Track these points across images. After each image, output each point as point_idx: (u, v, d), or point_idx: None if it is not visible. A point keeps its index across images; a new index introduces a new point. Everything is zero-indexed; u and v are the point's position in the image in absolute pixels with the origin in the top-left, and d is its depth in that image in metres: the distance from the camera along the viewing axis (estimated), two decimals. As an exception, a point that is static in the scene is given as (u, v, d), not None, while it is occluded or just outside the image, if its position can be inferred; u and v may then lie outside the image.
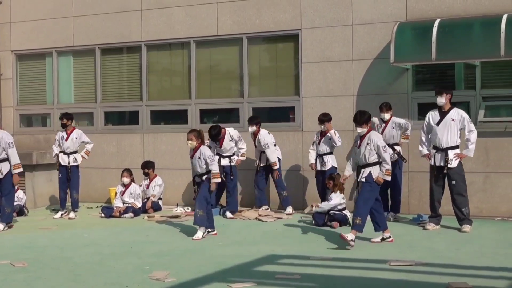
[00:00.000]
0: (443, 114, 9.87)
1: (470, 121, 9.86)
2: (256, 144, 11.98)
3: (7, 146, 10.66)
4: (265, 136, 11.86)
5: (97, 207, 13.23)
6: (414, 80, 11.82)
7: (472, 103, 11.31)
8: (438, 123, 9.85)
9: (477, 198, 11.11)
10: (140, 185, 12.77)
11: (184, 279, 7.15)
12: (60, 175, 12.14)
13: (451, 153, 9.77)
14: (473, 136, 9.73)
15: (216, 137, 11.62)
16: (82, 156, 12.24)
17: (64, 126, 12.16)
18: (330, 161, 11.25)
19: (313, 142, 11.50)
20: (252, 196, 12.35)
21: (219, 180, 9.90)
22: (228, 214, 11.65)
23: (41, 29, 14.77)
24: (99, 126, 14.35)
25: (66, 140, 12.09)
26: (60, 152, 12.11)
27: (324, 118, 11.23)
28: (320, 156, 11.34)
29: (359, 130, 8.98)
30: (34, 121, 15.33)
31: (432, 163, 9.94)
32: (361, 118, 8.96)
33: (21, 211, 12.27)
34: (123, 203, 12.25)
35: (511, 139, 11.03)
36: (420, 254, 8.26)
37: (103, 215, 12.10)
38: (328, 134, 11.21)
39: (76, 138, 12.14)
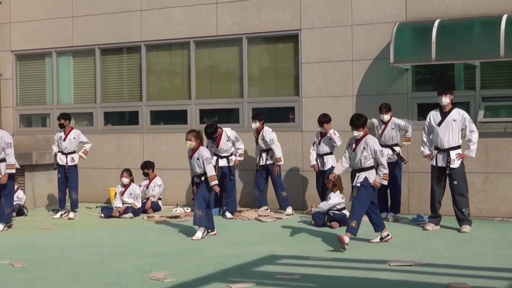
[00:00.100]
0: (444, 114, 9.86)
1: (471, 121, 9.86)
2: (259, 141, 11.96)
3: (6, 146, 10.66)
4: (269, 132, 11.86)
5: (97, 207, 13.24)
6: (414, 81, 11.82)
7: (472, 103, 11.31)
8: (439, 124, 9.84)
9: (477, 199, 11.11)
10: (140, 185, 12.77)
11: (184, 279, 7.14)
12: (59, 175, 12.15)
13: (453, 154, 9.74)
14: (475, 136, 9.72)
15: (212, 135, 11.59)
16: (80, 156, 12.23)
17: (62, 126, 12.16)
18: (330, 161, 11.27)
19: (314, 143, 11.51)
20: (252, 197, 12.35)
21: (216, 182, 9.78)
22: (228, 214, 11.65)
23: (41, 29, 14.76)
24: (98, 126, 14.34)
25: (64, 140, 12.09)
26: (58, 152, 12.13)
27: (324, 119, 11.24)
28: (320, 156, 11.35)
29: (356, 133, 8.97)
30: (34, 121, 15.32)
31: (434, 164, 9.94)
32: (358, 121, 8.94)
33: (20, 211, 12.28)
34: (123, 203, 12.25)
35: (511, 140, 11.03)
36: (420, 254, 8.26)
37: (102, 215, 12.10)
38: (328, 134, 11.22)
39: (74, 138, 12.14)
